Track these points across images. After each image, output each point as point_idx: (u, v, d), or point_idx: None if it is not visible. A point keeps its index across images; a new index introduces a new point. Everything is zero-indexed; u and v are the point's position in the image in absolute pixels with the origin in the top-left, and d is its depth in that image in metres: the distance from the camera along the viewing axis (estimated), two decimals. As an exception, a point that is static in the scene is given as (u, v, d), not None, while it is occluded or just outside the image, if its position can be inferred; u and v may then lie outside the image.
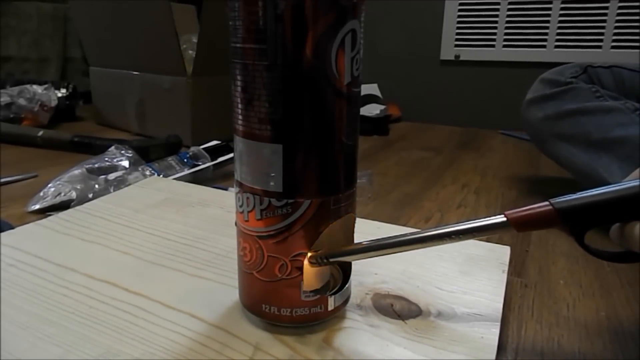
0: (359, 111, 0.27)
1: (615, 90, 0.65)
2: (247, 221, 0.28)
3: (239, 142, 0.27)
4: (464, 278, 0.37)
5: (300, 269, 0.27)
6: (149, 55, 1.02)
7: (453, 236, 0.27)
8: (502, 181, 0.80)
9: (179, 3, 1.34)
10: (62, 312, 0.30)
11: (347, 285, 0.31)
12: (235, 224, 0.29)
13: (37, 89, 1.14)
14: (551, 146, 0.66)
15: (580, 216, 0.25)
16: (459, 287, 0.35)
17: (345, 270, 0.31)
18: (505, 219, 0.26)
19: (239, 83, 0.25)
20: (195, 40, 0.98)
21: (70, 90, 1.26)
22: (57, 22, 1.57)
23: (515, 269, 0.45)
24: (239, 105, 0.26)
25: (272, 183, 0.26)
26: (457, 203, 0.67)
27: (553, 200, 0.26)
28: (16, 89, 1.13)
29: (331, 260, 0.28)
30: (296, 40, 0.23)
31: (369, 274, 0.36)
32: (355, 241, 0.30)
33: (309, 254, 0.28)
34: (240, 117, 0.26)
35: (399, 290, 0.35)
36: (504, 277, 0.37)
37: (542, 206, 0.26)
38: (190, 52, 1.00)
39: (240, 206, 0.28)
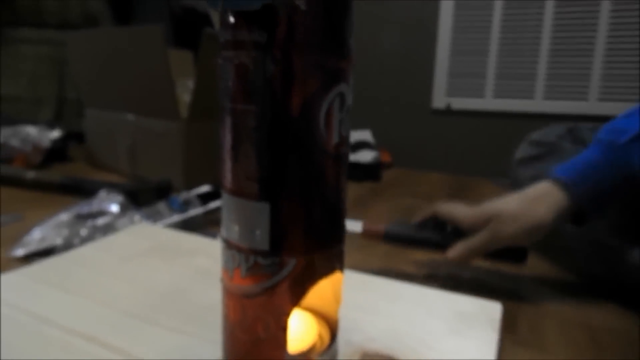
0: (346, 170, 0.28)
1: None
2: (232, 278, 0.27)
3: (226, 199, 0.27)
4: (455, 336, 0.36)
5: (285, 329, 0.27)
6: (144, 98, 1.03)
7: None
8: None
9: (176, 48, 1.37)
10: (36, 370, 0.29)
11: (334, 345, 0.30)
12: (221, 281, 0.29)
13: (31, 129, 1.15)
14: None
15: None
16: (450, 346, 0.35)
17: (333, 329, 0.31)
18: None
19: (227, 141, 0.26)
20: (190, 84, 1.00)
21: (64, 131, 1.27)
22: (54, 64, 1.59)
23: (507, 326, 0.44)
24: (228, 163, 0.26)
25: (258, 241, 0.26)
26: (448, 253, 0.67)
27: None
28: (10, 130, 1.13)
29: None
30: (285, 103, 0.23)
31: (357, 331, 0.36)
32: (344, 296, 0.30)
33: None
34: (228, 174, 0.26)
35: (388, 350, 0.34)
36: (495, 336, 0.36)
37: None
38: (185, 96, 1.02)
39: (226, 263, 0.28)
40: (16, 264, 0.50)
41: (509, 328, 0.44)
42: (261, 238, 0.25)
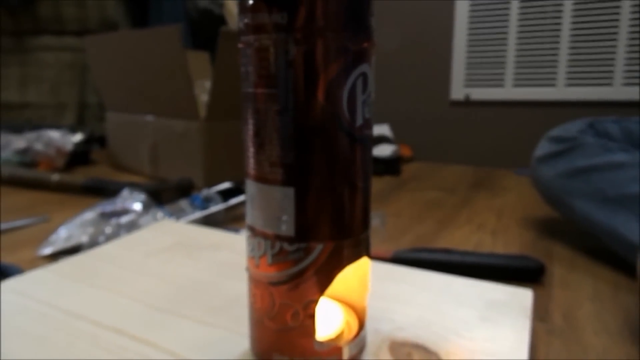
0: (371, 153, 0.27)
1: (623, 141, 0.64)
2: (258, 266, 0.27)
3: (250, 186, 0.26)
4: (485, 324, 0.35)
5: (313, 316, 0.26)
6: (164, 100, 1.04)
7: None
8: (519, 221, 0.78)
9: (193, 50, 1.38)
10: (67, 363, 0.29)
11: (362, 333, 0.29)
12: (246, 270, 0.29)
13: (54, 134, 1.17)
14: (566, 203, 0.64)
15: None
16: (480, 334, 0.34)
17: (361, 318, 0.30)
18: None
19: (250, 127, 0.25)
20: (208, 85, 1.00)
21: (86, 135, 1.29)
22: (75, 71, 1.62)
23: (539, 314, 0.43)
24: (251, 149, 0.26)
25: (283, 227, 0.25)
26: (474, 244, 0.65)
27: None
28: (33, 134, 1.15)
29: None
30: (307, 85, 0.23)
31: (385, 320, 0.35)
32: (371, 286, 0.29)
33: None
34: (252, 160, 0.26)
35: (417, 338, 0.33)
36: (527, 323, 0.35)
37: None
38: (203, 96, 1.02)
39: (252, 251, 0.27)
40: (44, 262, 0.51)
41: (541, 316, 0.43)
42: (287, 224, 0.25)
